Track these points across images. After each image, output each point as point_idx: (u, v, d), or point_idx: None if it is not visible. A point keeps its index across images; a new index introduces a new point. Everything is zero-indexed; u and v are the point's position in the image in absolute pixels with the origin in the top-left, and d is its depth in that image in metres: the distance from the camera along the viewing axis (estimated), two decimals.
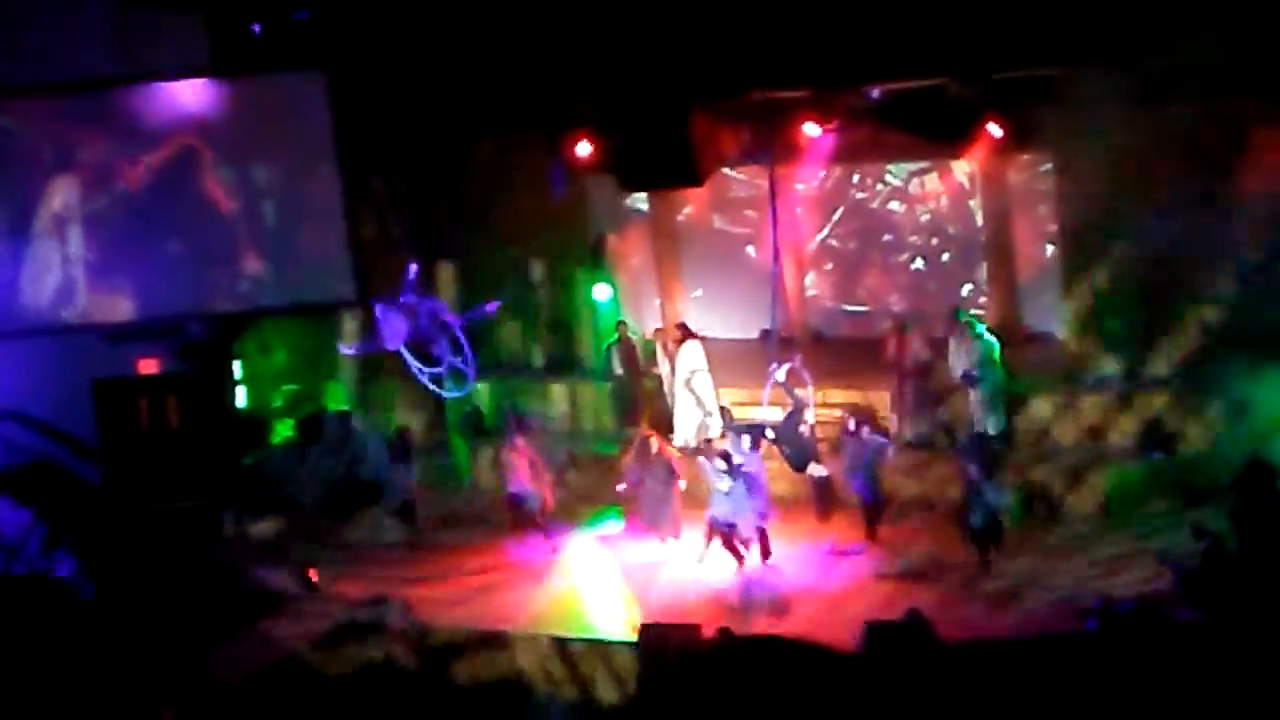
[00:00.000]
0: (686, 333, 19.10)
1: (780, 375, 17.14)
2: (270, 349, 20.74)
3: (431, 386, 17.73)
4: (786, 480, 17.47)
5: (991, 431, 17.57)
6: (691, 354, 18.83)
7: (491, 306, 18.04)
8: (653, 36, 16.90)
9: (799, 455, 16.99)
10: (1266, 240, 16.82)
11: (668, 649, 13.48)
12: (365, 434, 20.01)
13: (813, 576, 16.07)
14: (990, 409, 17.65)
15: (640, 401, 19.56)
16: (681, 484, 17.13)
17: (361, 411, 20.84)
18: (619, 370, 19.58)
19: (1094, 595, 14.11)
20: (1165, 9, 15.26)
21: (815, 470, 17.14)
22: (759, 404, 17.49)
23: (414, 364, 17.56)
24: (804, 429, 17.04)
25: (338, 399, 21.06)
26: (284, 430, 20.42)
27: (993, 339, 17.79)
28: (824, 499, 17.40)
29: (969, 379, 17.71)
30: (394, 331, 17.96)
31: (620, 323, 19.87)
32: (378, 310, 17.81)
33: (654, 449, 17.40)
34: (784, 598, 15.55)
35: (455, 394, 18.78)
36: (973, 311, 19.16)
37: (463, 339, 17.72)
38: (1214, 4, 15.27)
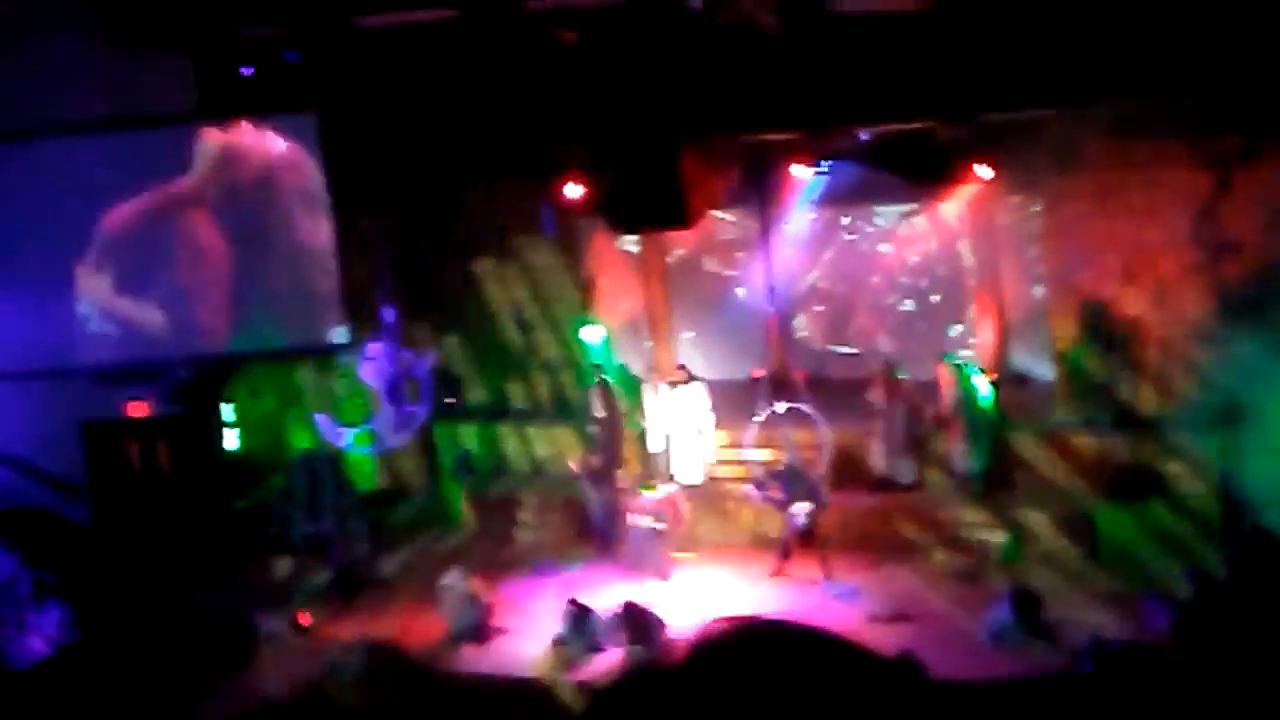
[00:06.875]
0: (689, 375, 19.22)
1: (780, 414, 17.31)
2: (260, 392, 20.67)
3: (351, 445, 18.15)
4: (773, 520, 17.52)
5: (974, 470, 17.65)
6: (695, 396, 18.93)
7: (428, 359, 18.32)
8: (641, 79, 16.96)
9: (794, 495, 17.12)
10: (1253, 277, 16.89)
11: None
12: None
13: (804, 618, 15.96)
14: (971, 449, 17.69)
15: (620, 445, 19.54)
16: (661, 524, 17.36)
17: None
18: (599, 414, 19.53)
19: (1087, 637, 14.09)
20: (1149, 50, 15.36)
21: (800, 510, 17.14)
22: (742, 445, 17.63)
23: (324, 425, 18.04)
24: (801, 469, 17.22)
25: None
26: (278, 474, 20.32)
27: (985, 383, 17.85)
28: (790, 544, 17.32)
29: (939, 422, 17.88)
30: (377, 372, 18.14)
31: (596, 366, 19.85)
32: (366, 350, 18.00)
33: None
34: None
35: (365, 449, 19.01)
36: (963, 354, 19.23)
37: (426, 388, 17.92)
38: (1197, 45, 15.37)
